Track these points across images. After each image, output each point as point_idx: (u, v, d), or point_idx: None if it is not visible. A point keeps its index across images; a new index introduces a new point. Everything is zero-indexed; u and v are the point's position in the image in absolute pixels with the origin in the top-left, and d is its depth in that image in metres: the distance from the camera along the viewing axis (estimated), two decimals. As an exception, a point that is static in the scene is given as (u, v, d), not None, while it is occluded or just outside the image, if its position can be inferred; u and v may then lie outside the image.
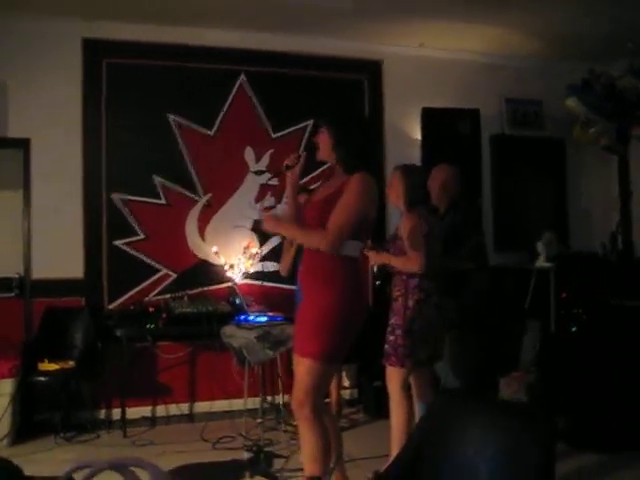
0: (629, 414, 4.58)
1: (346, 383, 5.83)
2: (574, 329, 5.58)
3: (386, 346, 3.89)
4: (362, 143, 3.19)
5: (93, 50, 5.44)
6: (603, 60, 6.21)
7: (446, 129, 6.10)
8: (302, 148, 5.79)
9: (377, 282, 5.58)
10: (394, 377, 3.86)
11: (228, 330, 4.90)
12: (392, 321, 3.90)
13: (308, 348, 3.05)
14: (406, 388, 3.89)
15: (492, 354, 5.14)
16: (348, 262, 3.10)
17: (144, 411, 5.40)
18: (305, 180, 5.20)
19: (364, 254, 3.64)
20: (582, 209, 6.80)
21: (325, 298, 3.06)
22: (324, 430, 3.08)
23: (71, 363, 4.94)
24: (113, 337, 5.08)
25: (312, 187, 4.65)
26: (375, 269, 4.30)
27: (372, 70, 6.20)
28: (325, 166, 3.62)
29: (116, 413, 5.25)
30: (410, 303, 3.84)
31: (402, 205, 3.97)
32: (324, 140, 3.21)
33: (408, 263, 3.83)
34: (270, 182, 5.36)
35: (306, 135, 5.92)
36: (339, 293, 3.05)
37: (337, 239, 3.02)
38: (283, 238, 5.22)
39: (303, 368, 3.08)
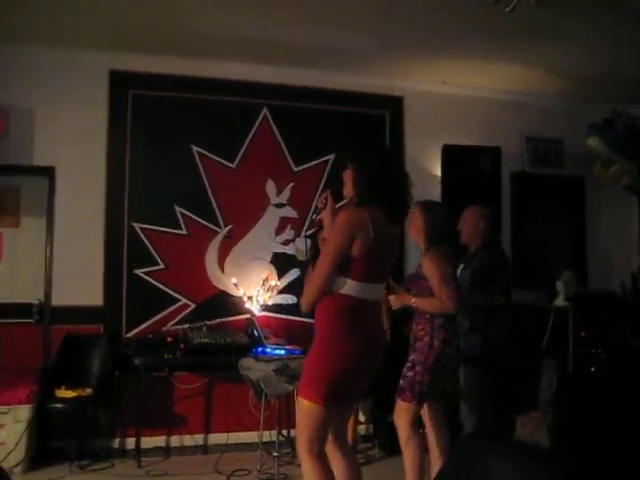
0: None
1: (361, 418, 5.80)
2: (593, 369, 5.57)
3: (402, 382, 3.86)
4: (380, 178, 3.08)
5: (120, 81, 5.55)
6: (625, 101, 6.26)
7: (467, 166, 6.13)
8: (322, 185, 5.86)
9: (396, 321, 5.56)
10: (404, 413, 3.84)
11: (246, 362, 4.92)
12: (412, 357, 3.88)
13: (306, 389, 3.03)
14: (415, 425, 3.86)
15: (509, 393, 5.13)
16: (346, 302, 3.01)
17: (159, 441, 5.40)
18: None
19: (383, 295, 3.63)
20: (602, 249, 6.78)
21: (322, 339, 3.06)
22: (326, 472, 3.03)
23: (88, 391, 4.96)
24: (131, 366, 5.08)
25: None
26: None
27: (394, 106, 6.27)
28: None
29: (130, 442, 5.26)
30: (435, 343, 3.83)
31: (422, 242, 3.97)
32: (348, 176, 3.20)
33: (437, 304, 3.80)
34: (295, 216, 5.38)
35: (327, 169, 5.98)
36: (334, 335, 3.01)
37: (320, 278, 3.01)
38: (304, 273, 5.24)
39: (302, 409, 3.08)
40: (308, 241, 3.45)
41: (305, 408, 3.03)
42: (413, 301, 3.91)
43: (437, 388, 3.89)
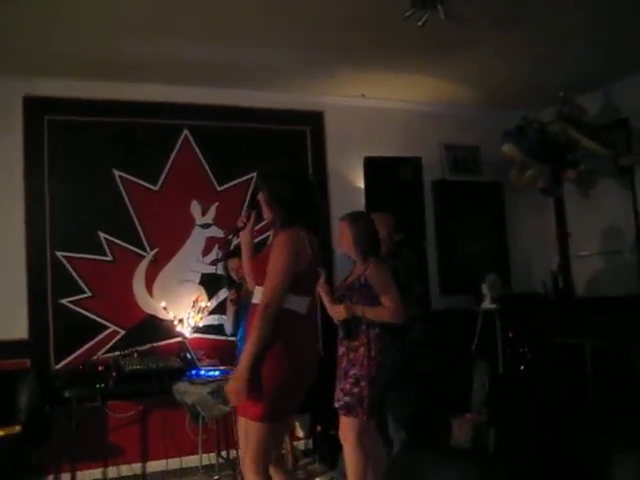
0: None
1: (300, 434, 5.83)
2: (522, 368, 5.76)
3: (347, 398, 3.83)
4: (294, 199, 3.15)
5: (34, 108, 5.43)
6: (535, 107, 6.57)
7: (389, 177, 6.23)
8: (246, 205, 5.90)
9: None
10: (354, 428, 3.82)
11: (181, 387, 4.89)
12: (354, 372, 3.84)
13: (249, 409, 3.01)
14: (362, 437, 3.87)
15: (441, 397, 5.25)
16: (287, 319, 3.03)
17: (95, 474, 5.30)
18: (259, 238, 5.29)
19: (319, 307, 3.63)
20: (522, 250, 7.05)
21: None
22: None
23: (17, 428, 4.79)
24: (62, 398, 4.97)
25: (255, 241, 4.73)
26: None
27: (314, 121, 6.37)
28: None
29: (66, 478, 5.15)
30: (373, 353, 3.83)
31: (355, 254, 3.98)
32: (263, 198, 3.23)
33: (385, 313, 3.83)
34: (221, 236, 5.38)
35: (251, 188, 6.02)
36: (276, 352, 2.99)
37: (270, 301, 2.97)
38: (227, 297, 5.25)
39: (246, 429, 3.07)
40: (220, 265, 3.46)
41: (249, 428, 3.03)
42: (362, 311, 3.87)
43: (379, 399, 3.92)
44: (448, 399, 5.35)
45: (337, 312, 3.92)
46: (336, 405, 3.91)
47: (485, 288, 6.02)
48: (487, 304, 5.99)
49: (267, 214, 3.24)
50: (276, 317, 2.96)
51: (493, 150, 6.54)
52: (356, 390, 3.81)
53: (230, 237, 3.45)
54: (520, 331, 5.91)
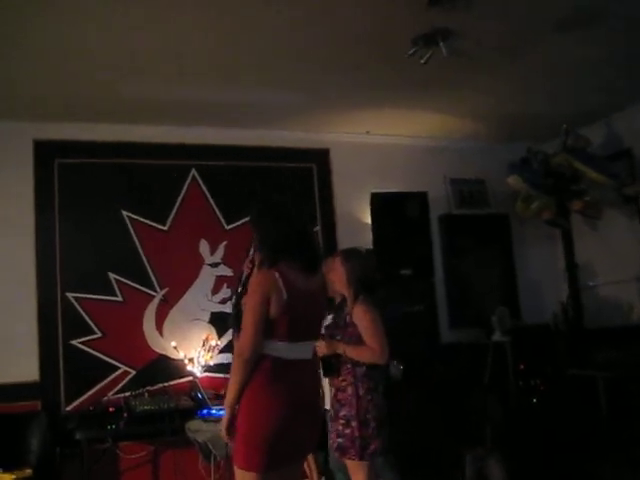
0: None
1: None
2: (534, 400, 5.73)
3: (340, 440, 3.78)
4: (279, 238, 3.06)
5: (44, 151, 5.53)
6: (539, 139, 6.63)
7: (395, 212, 6.22)
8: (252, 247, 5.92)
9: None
10: (360, 470, 3.76)
11: (193, 425, 4.88)
12: (343, 413, 3.80)
13: (238, 456, 2.94)
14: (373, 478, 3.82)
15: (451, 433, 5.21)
16: (268, 363, 2.95)
17: (106, 517, 5.26)
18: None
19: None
20: (531, 281, 7.02)
21: (245, 401, 2.95)
22: None
23: (28, 472, 4.74)
24: (72, 440, 4.96)
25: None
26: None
27: (320, 158, 6.45)
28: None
29: (77, 521, 5.10)
30: (361, 392, 3.79)
31: (348, 291, 3.94)
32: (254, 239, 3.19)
33: (367, 353, 3.78)
34: (230, 274, 5.34)
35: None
36: (256, 397, 2.93)
37: (243, 347, 2.94)
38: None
39: (236, 477, 2.99)
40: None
41: (240, 477, 2.94)
42: (342, 349, 3.84)
43: (380, 441, 3.79)
44: (461, 433, 5.32)
45: (318, 348, 3.76)
46: (332, 446, 3.88)
47: (495, 320, 6.03)
48: (497, 336, 5.99)
49: (257, 255, 3.16)
50: (252, 362, 2.92)
51: (498, 183, 6.62)
52: (348, 431, 3.77)
53: (240, 289, 3.33)
54: (531, 363, 5.89)
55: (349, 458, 3.78)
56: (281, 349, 2.99)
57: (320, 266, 3.26)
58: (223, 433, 3.03)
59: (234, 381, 2.95)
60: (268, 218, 3.16)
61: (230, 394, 2.96)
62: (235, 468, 2.98)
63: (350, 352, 3.83)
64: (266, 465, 2.88)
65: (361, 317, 3.84)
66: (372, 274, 4.05)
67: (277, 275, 2.97)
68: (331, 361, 3.87)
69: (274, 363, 2.97)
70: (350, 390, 3.82)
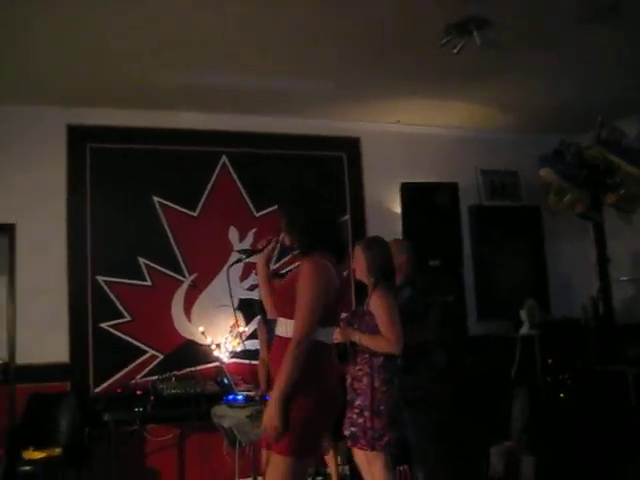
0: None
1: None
2: (562, 395, 5.67)
3: (353, 429, 3.80)
4: (312, 226, 3.10)
5: (77, 136, 5.61)
6: (573, 132, 6.53)
7: (425, 202, 6.23)
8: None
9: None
10: (377, 460, 3.77)
11: (219, 410, 4.90)
12: (358, 402, 3.82)
13: (279, 443, 2.92)
14: (389, 467, 3.82)
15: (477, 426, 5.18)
16: (316, 351, 2.96)
17: (133, 496, 5.33)
18: (277, 266, 5.33)
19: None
20: (561, 275, 6.97)
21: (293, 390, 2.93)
22: None
23: (57, 451, 4.85)
24: (101, 422, 5.03)
25: (284, 271, 4.83)
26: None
27: (350, 147, 6.45)
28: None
29: (104, 500, 5.18)
30: (376, 383, 3.79)
31: (368, 279, 3.97)
32: (283, 226, 3.21)
33: (382, 343, 3.77)
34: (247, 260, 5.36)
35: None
36: (305, 385, 2.91)
37: (302, 338, 2.91)
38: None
39: (272, 463, 2.98)
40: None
41: (275, 462, 2.95)
42: (358, 337, 3.86)
43: (392, 433, 3.78)
44: (486, 427, 5.31)
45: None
46: (345, 434, 3.89)
47: (524, 314, 5.96)
48: (526, 330, 5.92)
49: (288, 240, 3.20)
50: (308, 352, 2.91)
51: (530, 175, 6.56)
52: (360, 421, 3.78)
53: (243, 258, 3.43)
54: (560, 358, 5.83)
55: (360, 447, 3.80)
56: (326, 334, 3.05)
57: (346, 257, 3.29)
58: (271, 423, 2.89)
59: (291, 372, 2.88)
60: (300, 207, 3.19)
61: (285, 385, 2.88)
62: (272, 454, 2.98)
63: (365, 341, 3.84)
64: (307, 450, 2.96)
65: (377, 306, 3.84)
66: (390, 263, 4.04)
67: (328, 263, 3.01)
68: (346, 349, 3.89)
69: (320, 349, 3.00)
70: (366, 380, 3.83)
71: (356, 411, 3.82)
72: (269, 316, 3.42)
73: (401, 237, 5.92)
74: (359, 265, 4.01)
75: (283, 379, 2.89)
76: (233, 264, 3.53)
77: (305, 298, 2.95)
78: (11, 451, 4.82)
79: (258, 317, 5.42)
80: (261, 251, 3.33)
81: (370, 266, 3.95)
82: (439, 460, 4.40)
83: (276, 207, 5.97)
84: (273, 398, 2.91)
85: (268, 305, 3.34)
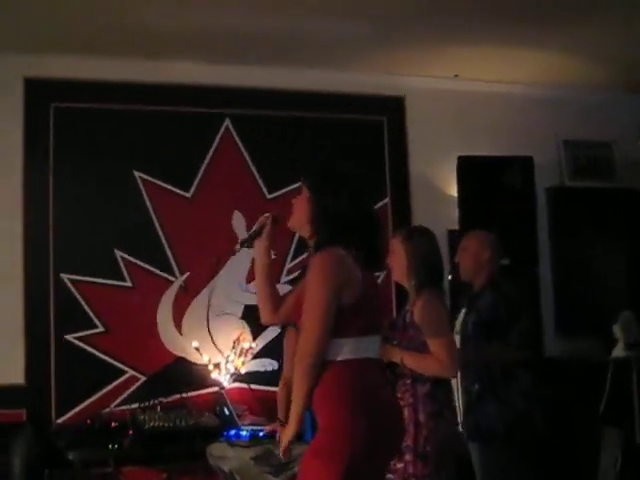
0: None
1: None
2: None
3: (391, 476, 3.67)
4: (333, 214, 3.03)
5: (37, 92, 5.61)
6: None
7: (490, 182, 6.21)
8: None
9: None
10: None
11: (217, 449, 4.85)
12: None
13: (309, 474, 2.91)
14: None
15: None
16: (347, 371, 2.94)
17: None
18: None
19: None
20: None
21: (325, 423, 2.94)
22: None
23: (8, 499, 4.87)
24: (64, 462, 4.98)
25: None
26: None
27: (392, 109, 6.46)
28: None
29: None
30: (422, 418, 3.73)
31: (409, 282, 3.93)
32: (301, 204, 3.15)
33: (432, 364, 3.73)
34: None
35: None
36: (341, 424, 2.89)
37: (308, 351, 2.91)
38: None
39: None
40: None
41: None
42: (399, 357, 3.82)
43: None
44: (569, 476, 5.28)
45: None
46: None
47: (618, 329, 5.89)
48: (620, 351, 5.86)
49: (298, 226, 3.19)
50: (319, 367, 2.90)
51: (629, 148, 6.57)
52: (400, 466, 3.71)
53: (238, 248, 3.43)
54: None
55: None
56: (355, 345, 2.96)
57: (382, 264, 3.27)
58: (284, 450, 3.03)
59: (300, 392, 2.95)
60: (326, 190, 3.11)
61: (297, 407, 2.97)
62: None
63: (409, 361, 3.79)
64: None
65: (421, 316, 3.79)
66: (438, 261, 4.00)
67: (345, 253, 2.94)
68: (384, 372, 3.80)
69: (351, 369, 2.94)
70: (408, 414, 3.73)
71: None
72: (264, 323, 3.46)
73: (457, 227, 5.93)
74: (397, 262, 3.95)
75: (296, 404, 2.98)
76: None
77: (313, 302, 2.92)
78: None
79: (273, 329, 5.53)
80: (259, 234, 3.31)
81: (412, 264, 3.89)
82: None
83: (294, 186, 5.92)
84: (290, 424, 2.99)
85: (266, 308, 3.35)
